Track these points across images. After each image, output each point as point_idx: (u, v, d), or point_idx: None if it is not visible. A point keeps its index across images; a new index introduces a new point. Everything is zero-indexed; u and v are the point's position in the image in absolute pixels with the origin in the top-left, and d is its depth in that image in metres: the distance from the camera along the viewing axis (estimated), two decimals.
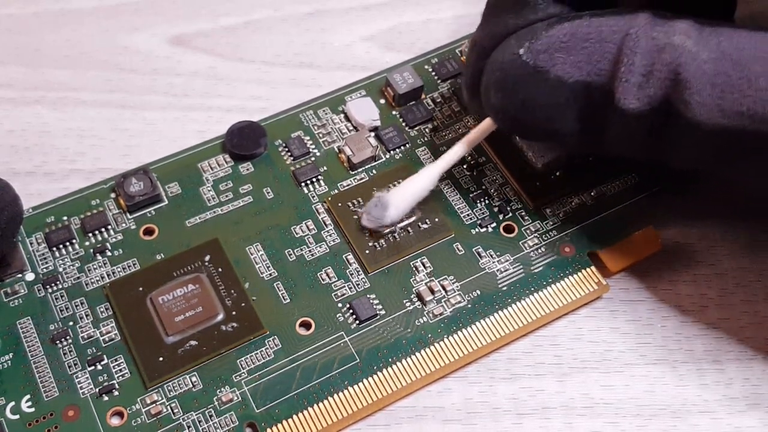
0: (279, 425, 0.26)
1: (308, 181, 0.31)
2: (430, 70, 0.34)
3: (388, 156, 0.32)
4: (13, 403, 0.26)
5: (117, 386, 0.27)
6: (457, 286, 0.29)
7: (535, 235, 0.30)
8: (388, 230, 0.30)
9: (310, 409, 0.27)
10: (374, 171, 0.32)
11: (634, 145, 0.26)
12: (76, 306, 0.28)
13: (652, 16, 0.25)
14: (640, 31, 0.24)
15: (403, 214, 0.30)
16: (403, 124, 0.33)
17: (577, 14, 0.26)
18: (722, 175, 0.27)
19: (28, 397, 0.27)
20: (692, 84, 0.23)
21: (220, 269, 0.29)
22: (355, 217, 0.30)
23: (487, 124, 0.29)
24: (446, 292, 0.29)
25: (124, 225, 0.30)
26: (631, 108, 0.24)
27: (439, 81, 0.34)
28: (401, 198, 0.29)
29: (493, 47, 0.27)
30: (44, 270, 0.29)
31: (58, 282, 0.29)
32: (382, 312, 0.29)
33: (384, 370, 0.27)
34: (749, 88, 0.23)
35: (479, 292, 0.29)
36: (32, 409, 0.26)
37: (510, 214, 0.31)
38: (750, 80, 0.23)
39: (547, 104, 0.26)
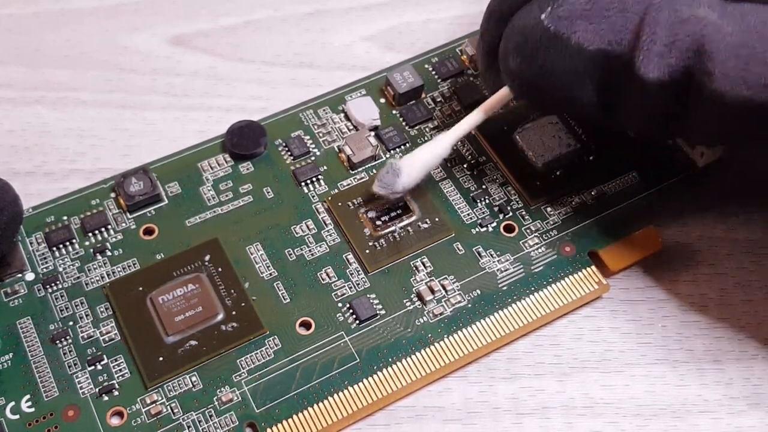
0: (279, 425, 0.26)
1: (308, 181, 0.31)
2: (431, 69, 0.34)
3: (388, 155, 0.32)
4: (13, 403, 0.26)
5: (117, 386, 0.27)
6: (458, 286, 0.29)
7: (536, 234, 0.30)
8: (395, 198, 0.30)
9: (310, 409, 0.27)
10: (374, 170, 0.32)
11: (653, 118, 0.25)
12: (76, 306, 0.28)
13: None
14: (664, 2, 0.24)
15: (415, 181, 0.29)
16: (403, 123, 0.33)
17: None
18: (741, 154, 0.27)
19: (28, 397, 0.27)
20: (716, 55, 0.23)
21: (220, 269, 0.29)
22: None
23: (503, 93, 0.28)
24: (446, 291, 0.29)
25: (124, 225, 0.30)
26: (651, 77, 0.24)
27: (439, 80, 0.34)
28: (414, 165, 0.29)
29: (512, 13, 0.26)
30: (44, 270, 0.29)
31: (58, 282, 0.29)
32: (382, 312, 0.29)
33: (384, 370, 0.27)
34: None
35: (479, 292, 0.29)
36: (32, 409, 0.26)
37: (510, 214, 0.31)
38: None
39: (565, 71, 0.25)
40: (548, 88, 0.26)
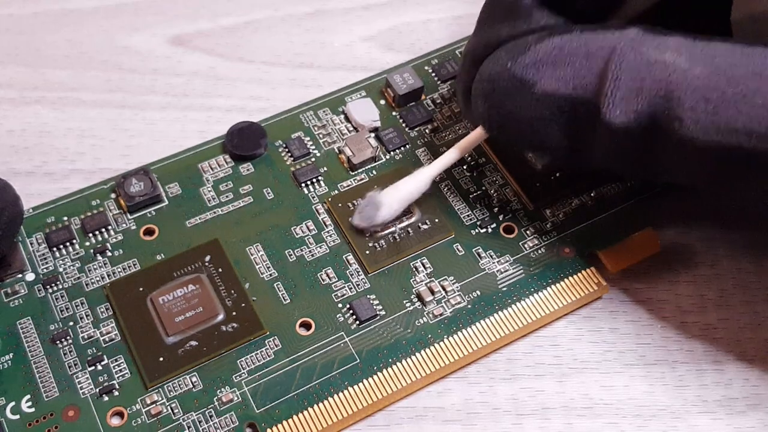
0: (279, 425, 0.26)
1: (308, 182, 0.31)
2: (430, 71, 0.34)
3: (388, 157, 0.32)
4: (13, 403, 0.27)
5: (117, 386, 0.27)
6: (457, 287, 0.29)
7: (535, 236, 0.30)
8: (379, 231, 0.30)
9: (310, 409, 0.27)
10: (374, 172, 0.32)
11: (624, 161, 0.25)
12: (76, 306, 0.28)
13: (642, 31, 0.24)
14: (628, 46, 0.24)
15: (395, 214, 0.29)
16: (403, 124, 0.33)
17: (568, 28, 0.25)
18: (715, 193, 0.27)
19: (28, 397, 0.27)
20: (685, 100, 0.23)
21: (220, 269, 0.29)
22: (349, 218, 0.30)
23: (479, 132, 0.29)
24: (446, 292, 0.29)
25: (124, 225, 0.30)
26: (617, 123, 0.24)
27: (439, 82, 0.34)
28: (393, 198, 0.29)
29: (486, 56, 0.27)
30: (44, 270, 0.29)
31: (58, 282, 0.29)
32: (382, 312, 0.29)
33: (384, 371, 0.27)
34: (745, 104, 0.22)
35: (479, 293, 0.29)
36: (32, 410, 0.26)
37: (510, 215, 0.31)
38: (746, 96, 0.22)
39: (532, 117, 0.26)
40: (516, 132, 0.26)
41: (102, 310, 0.28)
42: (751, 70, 0.23)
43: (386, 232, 0.30)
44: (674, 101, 0.23)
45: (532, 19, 0.26)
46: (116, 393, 0.27)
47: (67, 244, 0.30)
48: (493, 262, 0.30)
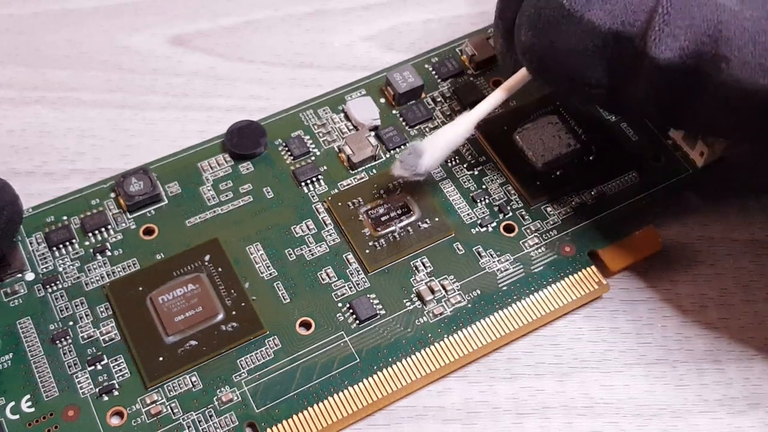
0: (279, 425, 0.26)
1: (308, 181, 0.31)
2: (430, 69, 0.34)
3: (388, 155, 0.32)
4: (13, 403, 0.26)
5: (117, 386, 0.27)
6: (457, 286, 0.29)
7: (535, 234, 0.30)
8: (418, 179, 0.29)
9: (310, 409, 0.27)
10: (374, 170, 0.32)
11: (664, 105, 0.25)
12: (76, 306, 0.28)
13: None
14: None
15: (437, 162, 0.29)
16: (403, 123, 0.33)
17: None
18: (746, 150, 0.26)
19: (28, 397, 0.27)
20: (733, 41, 0.23)
21: (220, 269, 0.29)
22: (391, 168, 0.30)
23: (523, 73, 0.28)
24: (446, 291, 0.29)
25: (124, 225, 0.30)
26: (662, 59, 0.24)
27: (439, 80, 0.34)
28: (436, 146, 0.29)
29: None
30: (44, 270, 0.29)
31: (58, 282, 0.29)
32: (382, 312, 0.29)
33: (384, 370, 0.27)
34: None
35: (479, 292, 0.29)
36: (32, 409, 0.26)
37: (510, 214, 0.31)
38: None
39: (575, 49, 0.25)
40: (557, 65, 0.26)
41: (102, 309, 0.28)
42: None
43: (386, 231, 0.30)
44: (722, 41, 0.23)
45: None
46: (116, 393, 0.27)
47: (67, 243, 0.30)
48: (494, 261, 0.30)
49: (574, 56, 0.25)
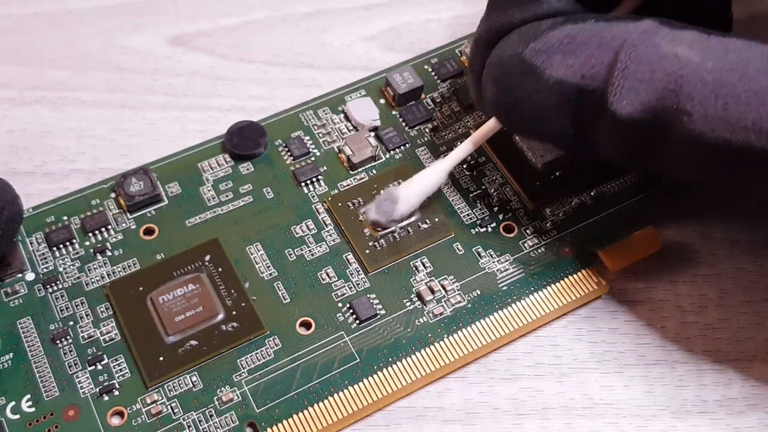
0: (279, 425, 0.26)
1: (308, 181, 0.31)
2: (430, 70, 0.34)
3: (387, 156, 0.32)
4: (13, 403, 0.27)
5: (117, 386, 0.27)
6: (457, 286, 0.29)
7: (535, 235, 0.30)
8: (392, 227, 0.30)
9: (310, 408, 0.27)
10: (374, 171, 0.32)
11: (628, 154, 0.25)
12: (76, 306, 0.28)
13: (657, 23, 0.24)
14: (640, 38, 0.24)
15: (412, 209, 0.29)
16: (403, 124, 0.33)
17: (583, 15, 0.25)
18: (718, 191, 0.27)
19: (28, 396, 0.27)
20: (695, 94, 0.23)
21: (220, 269, 0.29)
22: (361, 215, 0.30)
23: (494, 122, 0.29)
24: (446, 291, 0.29)
25: (124, 225, 0.30)
26: (624, 114, 0.24)
27: (438, 81, 0.34)
28: (411, 192, 0.29)
29: (497, 40, 0.27)
30: (44, 270, 0.29)
31: (58, 282, 0.29)
32: (383, 312, 0.29)
33: (384, 370, 0.27)
34: (756, 101, 0.22)
35: (479, 292, 0.29)
36: (32, 409, 0.26)
37: (510, 214, 0.31)
38: (757, 93, 0.22)
39: (539, 104, 0.25)
40: (522, 119, 0.26)
41: (102, 309, 0.28)
42: (764, 68, 0.22)
43: (386, 231, 0.30)
44: (684, 95, 0.23)
45: (543, 3, 0.26)
46: (116, 392, 0.27)
47: (67, 243, 0.30)
48: (493, 262, 0.30)
49: (537, 111, 0.26)
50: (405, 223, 0.30)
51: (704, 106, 0.23)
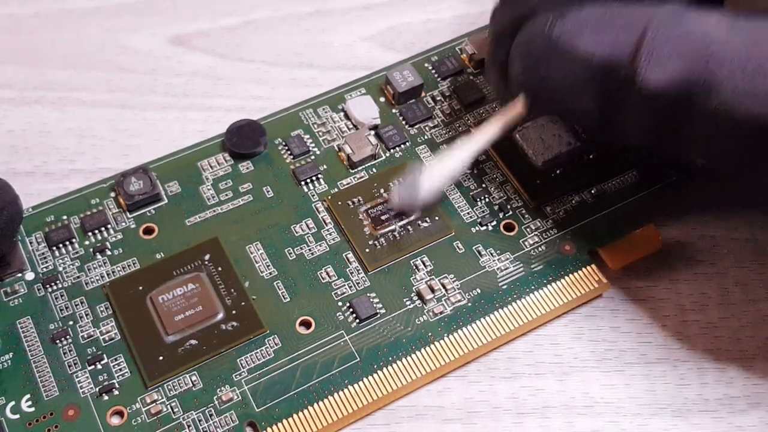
0: (279, 424, 0.26)
1: (308, 180, 0.31)
2: (430, 68, 0.34)
3: (388, 154, 0.32)
4: (13, 403, 0.26)
5: (117, 385, 0.27)
6: (458, 285, 0.29)
7: (536, 233, 0.30)
8: (417, 213, 0.30)
9: (310, 408, 0.27)
10: (374, 169, 0.32)
11: (653, 133, 0.25)
12: (75, 305, 0.28)
13: (683, 5, 0.24)
14: (667, 17, 0.24)
15: (435, 196, 0.29)
16: (403, 122, 0.33)
17: None
18: (743, 180, 0.27)
19: (28, 396, 0.27)
20: (723, 68, 0.23)
21: (220, 268, 0.29)
22: (385, 204, 0.30)
23: (520, 105, 0.28)
24: (446, 290, 0.29)
25: (123, 224, 0.30)
26: (652, 87, 0.24)
27: (439, 79, 0.34)
28: (434, 180, 0.29)
29: (518, 27, 0.27)
30: (44, 269, 0.29)
31: (57, 281, 0.29)
32: (383, 311, 0.28)
33: (384, 369, 0.27)
34: None
35: (479, 291, 0.29)
36: (32, 409, 0.26)
37: (510, 213, 0.31)
38: None
39: (566, 82, 0.25)
40: (548, 98, 0.26)
41: (102, 309, 0.28)
42: None
43: (386, 230, 0.30)
44: (712, 69, 0.23)
45: None
46: (116, 392, 0.27)
47: (67, 243, 0.30)
48: (494, 260, 0.30)
49: (564, 89, 0.26)
50: (403, 222, 0.30)
51: (733, 79, 0.23)
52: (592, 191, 0.31)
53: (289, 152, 0.32)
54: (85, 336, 0.28)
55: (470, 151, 0.29)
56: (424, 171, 0.29)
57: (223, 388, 0.27)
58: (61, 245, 0.29)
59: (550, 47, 0.25)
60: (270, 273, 0.29)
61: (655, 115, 0.25)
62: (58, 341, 0.28)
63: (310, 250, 0.30)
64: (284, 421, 0.26)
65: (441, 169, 0.29)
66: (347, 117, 0.33)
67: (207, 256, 0.29)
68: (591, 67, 0.25)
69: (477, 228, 0.30)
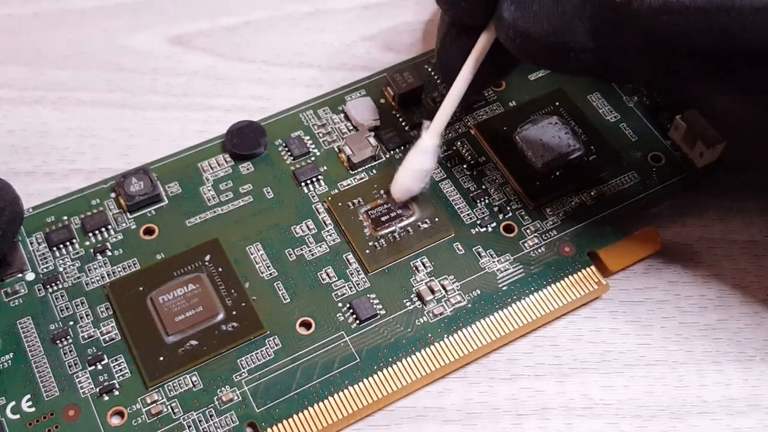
0: (279, 425, 0.26)
1: (308, 181, 0.31)
2: (430, 70, 0.34)
3: (388, 156, 0.32)
4: (13, 403, 0.26)
5: (117, 386, 0.27)
6: (457, 286, 0.29)
7: (535, 234, 0.30)
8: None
9: (310, 408, 0.27)
10: (374, 171, 0.32)
11: (657, 57, 0.25)
12: (76, 306, 0.28)
13: None
14: None
15: (426, 180, 0.30)
16: (403, 124, 0.33)
17: None
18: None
19: (28, 396, 0.27)
20: None
21: (220, 269, 0.29)
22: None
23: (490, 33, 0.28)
24: (446, 291, 0.29)
25: (124, 225, 0.30)
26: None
27: (438, 81, 0.34)
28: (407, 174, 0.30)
29: None
30: (44, 270, 0.29)
31: (58, 282, 0.29)
32: (383, 312, 0.29)
33: (384, 370, 0.27)
34: None
35: (479, 292, 0.29)
36: (33, 409, 0.26)
37: (510, 214, 0.31)
38: None
39: (558, 14, 0.25)
40: (541, 35, 0.25)
41: (102, 309, 0.28)
42: None
43: (386, 231, 0.30)
44: None
45: None
46: (116, 392, 0.27)
47: (67, 243, 0.30)
48: (493, 261, 0.30)
49: (557, 23, 0.25)
50: (403, 223, 0.30)
51: None
52: (592, 193, 0.31)
53: (289, 153, 0.32)
54: (86, 336, 0.28)
55: (454, 99, 0.29)
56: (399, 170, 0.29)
57: (223, 389, 0.27)
58: (61, 246, 0.29)
59: None
60: (270, 274, 0.29)
61: (655, 39, 0.24)
62: (58, 341, 0.28)
63: (310, 251, 0.30)
64: (284, 421, 0.26)
65: (429, 135, 0.29)
66: (347, 118, 0.33)
67: (207, 257, 0.29)
68: None
69: (477, 229, 0.30)
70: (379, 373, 0.27)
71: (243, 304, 0.28)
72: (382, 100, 0.33)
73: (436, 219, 0.30)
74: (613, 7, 0.24)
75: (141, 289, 0.28)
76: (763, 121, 0.31)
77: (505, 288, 0.29)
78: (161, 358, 0.27)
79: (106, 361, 0.27)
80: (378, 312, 0.28)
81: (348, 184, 0.31)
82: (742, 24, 0.23)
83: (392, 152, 0.32)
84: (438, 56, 0.30)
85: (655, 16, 0.24)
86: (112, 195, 0.31)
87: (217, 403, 0.27)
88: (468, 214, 0.31)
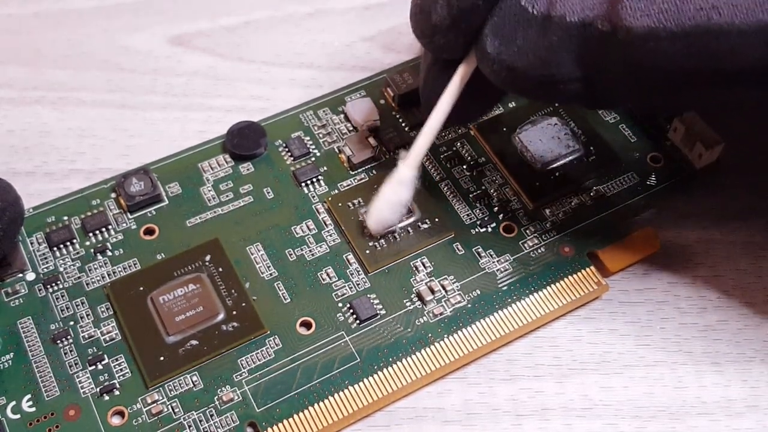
0: (279, 425, 0.26)
1: (308, 181, 0.31)
2: None
3: (388, 156, 0.32)
4: (14, 403, 0.27)
5: (118, 386, 0.27)
6: (457, 286, 0.29)
7: (535, 235, 0.30)
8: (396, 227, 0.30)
9: (310, 408, 0.27)
10: (374, 171, 0.32)
11: (644, 85, 0.25)
12: (76, 306, 0.28)
13: None
14: None
15: (408, 194, 0.29)
16: (403, 124, 0.33)
17: None
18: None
19: (29, 396, 0.27)
20: None
21: (220, 269, 0.29)
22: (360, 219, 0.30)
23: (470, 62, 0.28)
24: (446, 291, 0.29)
25: (124, 225, 0.30)
26: (638, 26, 0.23)
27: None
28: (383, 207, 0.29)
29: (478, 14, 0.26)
30: (45, 270, 0.29)
31: (58, 282, 0.29)
32: (383, 312, 0.29)
33: (384, 370, 0.27)
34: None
35: (479, 292, 0.29)
36: (33, 409, 0.26)
37: (510, 215, 0.31)
38: None
39: (544, 48, 0.25)
40: (526, 68, 0.25)
41: (102, 309, 0.28)
42: None
43: (387, 231, 0.30)
44: None
45: None
46: (117, 392, 0.27)
47: (68, 243, 0.30)
48: (493, 262, 0.30)
49: (542, 55, 0.25)
50: (404, 223, 0.30)
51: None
52: (591, 193, 0.31)
53: (289, 154, 0.32)
54: (86, 336, 0.28)
55: (432, 129, 0.29)
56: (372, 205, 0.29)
57: (223, 389, 0.27)
58: (61, 246, 0.30)
59: (525, 18, 0.25)
60: (270, 274, 0.29)
61: (642, 65, 0.24)
62: (58, 341, 0.28)
63: (310, 251, 0.30)
64: (285, 421, 0.26)
65: (406, 166, 0.29)
66: (347, 119, 0.33)
67: (208, 257, 0.29)
68: (569, 29, 0.24)
69: (477, 230, 0.30)
70: (379, 373, 0.27)
71: (243, 304, 0.28)
72: (382, 101, 0.33)
73: (436, 219, 0.30)
74: (599, 36, 0.24)
75: (141, 289, 0.28)
76: (762, 122, 0.31)
77: (504, 288, 0.29)
78: (162, 358, 0.27)
79: (106, 360, 0.27)
80: (378, 312, 0.29)
81: (348, 185, 0.31)
82: (730, 47, 0.23)
83: (392, 153, 0.32)
84: (421, 93, 0.30)
85: (642, 43, 0.24)
86: (113, 195, 0.31)
87: (217, 402, 0.27)
88: (468, 215, 0.31)
